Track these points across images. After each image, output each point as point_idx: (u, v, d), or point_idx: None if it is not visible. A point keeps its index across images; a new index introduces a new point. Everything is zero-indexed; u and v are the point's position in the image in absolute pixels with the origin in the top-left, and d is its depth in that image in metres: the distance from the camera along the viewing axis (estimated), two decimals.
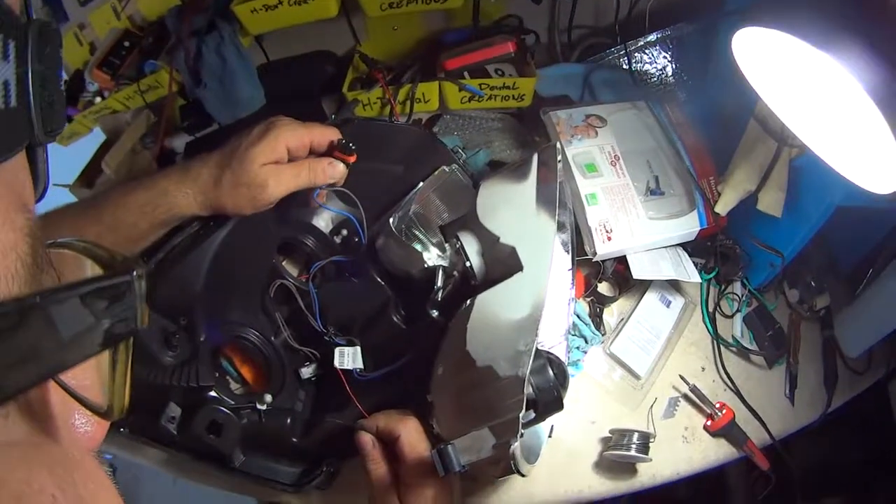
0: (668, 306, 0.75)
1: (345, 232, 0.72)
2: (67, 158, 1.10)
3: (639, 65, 0.89)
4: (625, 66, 0.87)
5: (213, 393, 0.66)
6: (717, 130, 0.84)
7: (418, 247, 0.67)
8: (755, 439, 0.79)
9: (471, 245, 0.61)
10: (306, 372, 0.69)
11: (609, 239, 0.69)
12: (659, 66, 0.90)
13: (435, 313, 0.62)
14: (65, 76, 1.04)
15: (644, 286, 0.75)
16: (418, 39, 0.86)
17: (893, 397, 0.97)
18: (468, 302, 0.56)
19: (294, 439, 0.66)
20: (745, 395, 0.79)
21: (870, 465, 0.98)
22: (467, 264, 0.60)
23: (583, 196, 0.70)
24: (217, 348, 0.70)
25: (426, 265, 0.64)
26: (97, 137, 1.09)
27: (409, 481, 0.57)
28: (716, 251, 0.79)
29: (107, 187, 0.93)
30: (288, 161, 0.64)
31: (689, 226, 0.74)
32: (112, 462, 1.18)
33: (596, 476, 0.70)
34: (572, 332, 0.69)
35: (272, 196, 0.63)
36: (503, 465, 0.52)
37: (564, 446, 0.69)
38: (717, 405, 0.75)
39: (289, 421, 0.66)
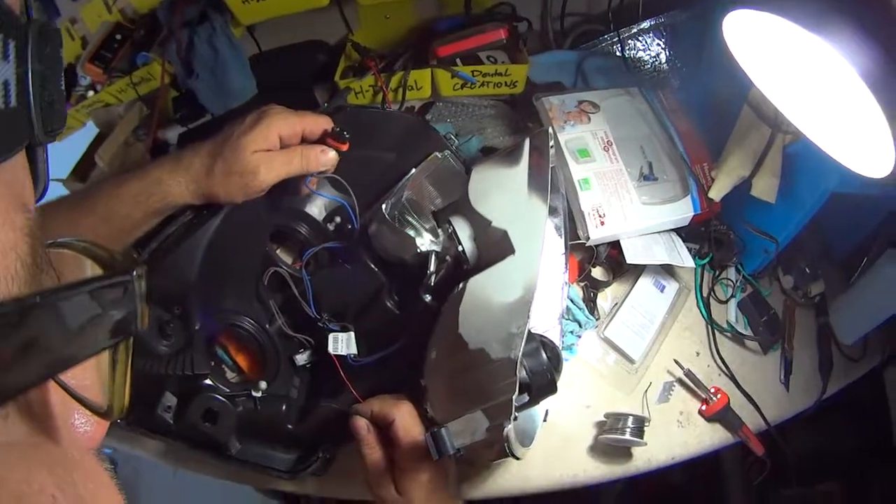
0: (661, 291, 0.76)
1: (338, 219, 0.72)
2: (61, 153, 1.10)
3: (632, 52, 0.89)
4: (618, 54, 0.87)
5: (208, 381, 0.66)
6: (711, 117, 0.84)
7: (411, 233, 0.67)
8: (750, 424, 0.79)
9: (463, 229, 0.61)
10: (301, 359, 0.69)
11: (602, 224, 0.69)
12: (652, 54, 0.90)
13: (428, 298, 0.62)
14: None
15: (638, 271, 0.76)
16: (410, 27, 0.86)
17: (889, 385, 0.98)
18: (460, 285, 0.57)
19: (289, 426, 0.66)
20: (740, 380, 0.79)
21: (864, 453, 0.99)
22: (459, 248, 0.61)
23: (576, 181, 0.70)
24: (212, 337, 0.70)
25: (419, 250, 0.64)
26: (90, 131, 1.09)
27: (403, 465, 0.57)
28: (710, 237, 0.80)
29: (100, 179, 0.94)
30: (280, 149, 0.64)
31: (682, 211, 0.75)
32: (112, 456, 1.19)
33: (591, 460, 0.70)
34: (566, 317, 0.69)
35: (263, 183, 0.63)
36: (497, 449, 0.52)
37: (559, 430, 0.70)
38: (712, 390, 0.75)
39: (284, 408, 0.66)
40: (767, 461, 0.86)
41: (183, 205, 0.66)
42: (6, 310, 0.16)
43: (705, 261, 0.80)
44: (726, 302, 0.81)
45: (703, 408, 0.75)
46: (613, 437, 0.67)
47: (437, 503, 0.57)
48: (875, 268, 0.86)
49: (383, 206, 0.67)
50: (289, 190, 0.69)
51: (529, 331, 0.59)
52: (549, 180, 0.59)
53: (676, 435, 0.75)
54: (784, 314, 0.86)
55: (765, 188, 0.77)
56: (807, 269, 0.88)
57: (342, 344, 0.65)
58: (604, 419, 0.70)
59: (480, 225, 0.59)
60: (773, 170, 0.77)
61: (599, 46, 0.87)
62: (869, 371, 0.93)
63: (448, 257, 0.63)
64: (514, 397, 0.50)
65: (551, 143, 0.64)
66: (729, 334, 0.80)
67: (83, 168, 1.08)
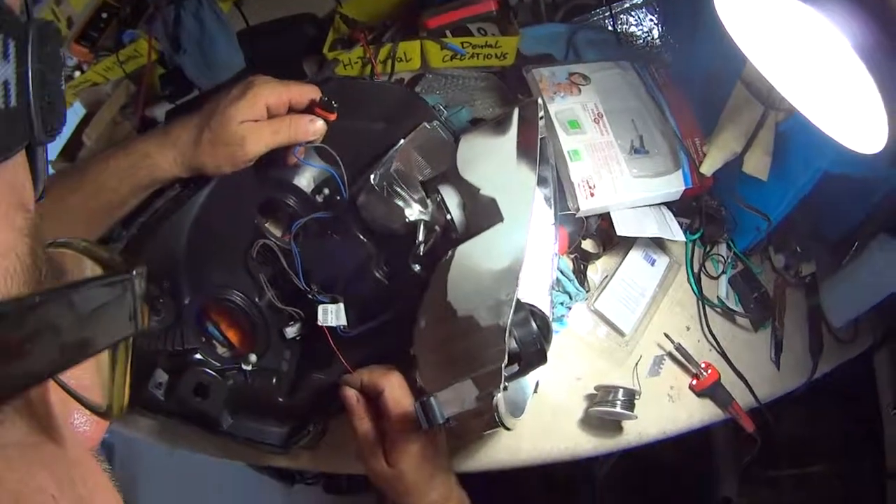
0: (652, 265, 0.75)
1: (326, 190, 0.71)
2: None
3: (624, 27, 0.88)
4: (610, 28, 0.86)
5: (198, 356, 0.66)
6: (704, 93, 0.83)
7: (400, 203, 0.67)
8: (740, 402, 0.79)
9: (451, 198, 0.60)
10: (291, 331, 0.69)
11: (592, 195, 0.69)
12: (645, 29, 0.90)
13: (417, 268, 0.62)
14: None
15: (628, 244, 0.75)
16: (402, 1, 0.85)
17: (878, 368, 0.98)
18: (449, 253, 0.56)
19: (280, 399, 0.66)
20: (731, 356, 0.79)
21: (854, 436, 0.99)
22: (448, 217, 0.60)
23: (565, 152, 0.70)
24: (202, 311, 0.69)
25: (408, 220, 0.63)
26: (77, 112, 1.08)
27: (393, 436, 0.57)
28: (701, 212, 0.79)
29: (87, 157, 0.93)
30: (268, 119, 0.64)
31: (673, 185, 0.74)
32: (109, 441, 1.19)
33: (582, 433, 0.70)
34: (556, 288, 0.69)
35: (251, 153, 0.62)
36: (487, 418, 0.52)
37: (550, 403, 0.70)
38: (703, 365, 0.75)
39: (274, 380, 0.66)
40: (758, 439, 0.86)
41: (171, 178, 0.65)
42: (5, 309, 0.16)
43: (696, 236, 0.80)
44: (717, 278, 0.81)
45: (694, 383, 0.76)
46: (604, 409, 0.67)
47: (428, 474, 0.58)
48: (866, 251, 0.86)
49: (372, 177, 0.66)
50: (276, 161, 0.68)
51: (519, 300, 0.59)
52: (537, 149, 0.58)
53: (667, 409, 0.75)
54: (775, 293, 0.86)
55: (757, 165, 0.77)
56: (798, 249, 0.88)
57: (332, 315, 0.65)
58: (594, 392, 0.70)
59: (469, 193, 0.59)
60: (766, 147, 0.77)
61: (591, 20, 0.86)
62: (859, 354, 0.94)
63: (437, 227, 0.63)
64: (503, 366, 0.50)
65: (541, 113, 0.63)
66: (719, 310, 0.80)
67: (71, 148, 1.07)
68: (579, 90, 0.75)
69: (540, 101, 0.64)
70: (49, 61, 0.20)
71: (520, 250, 0.52)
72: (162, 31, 0.86)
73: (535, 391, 0.67)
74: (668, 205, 0.77)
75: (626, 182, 0.71)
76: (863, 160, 0.84)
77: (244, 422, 0.66)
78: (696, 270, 0.79)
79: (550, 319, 0.65)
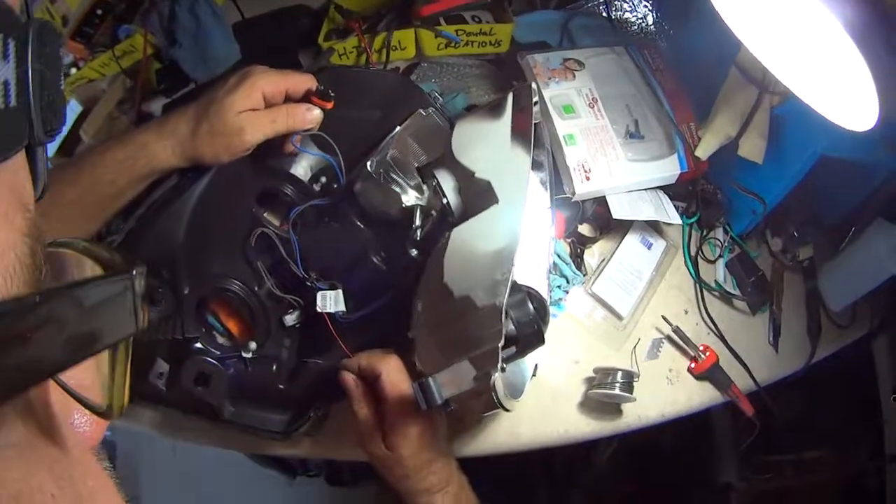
0: (649, 248, 0.76)
1: (323, 179, 0.72)
2: None
3: (619, 13, 0.89)
4: (604, 14, 0.87)
5: (198, 345, 0.67)
6: (699, 78, 0.84)
7: (396, 189, 0.68)
8: (739, 385, 0.80)
9: (447, 182, 0.61)
10: (290, 319, 0.69)
11: (588, 179, 0.69)
12: (640, 15, 0.90)
13: (414, 252, 0.62)
14: None
15: (625, 228, 0.76)
16: None
17: (877, 355, 0.99)
18: (446, 236, 0.57)
19: (280, 386, 0.66)
20: (729, 339, 0.80)
21: (854, 421, 1.00)
22: (444, 201, 0.61)
23: (560, 137, 0.70)
24: (201, 301, 0.70)
25: (404, 206, 0.64)
26: (73, 109, 1.09)
27: (391, 420, 0.57)
28: (697, 196, 0.80)
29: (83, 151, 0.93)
30: (265, 108, 0.64)
31: (669, 169, 0.75)
32: (111, 439, 1.19)
33: (581, 416, 0.71)
34: (553, 272, 0.70)
35: (249, 142, 0.63)
36: (486, 399, 0.53)
37: (549, 386, 0.70)
38: (701, 348, 0.76)
39: (274, 368, 0.66)
40: (757, 423, 0.87)
41: (168, 169, 0.66)
42: (5, 309, 0.16)
43: (693, 220, 0.80)
44: (714, 262, 0.82)
45: (692, 365, 0.76)
46: (603, 391, 0.68)
47: (427, 458, 0.58)
48: (864, 237, 0.86)
49: (368, 164, 0.67)
50: (273, 150, 0.69)
51: (515, 282, 0.60)
52: (532, 132, 0.59)
53: (666, 392, 0.75)
54: (772, 276, 0.87)
55: (752, 149, 0.77)
56: (795, 234, 0.89)
57: (330, 301, 0.65)
58: (593, 375, 0.70)
59: (464, 177, 0.59)
60: (761, 130, 0.77)
61: (585, 7, 0.87)
62: (858, 340, 0.94)
63: (433, 211, 0.63)
64: (500, 345, 0.50)
65: (535, 98, 0.64)
66: (717, 293, 0.81)
67: (69, 145, 1.08)
68: (574, 75, 0.75)
69: (534, 86, 0.64)
70: (49, 61, 0.20)
71: (515, 231, 0.53)
72: (157, 26, 0.86)
73: (534, 375, 0.67)
74: (665, 189, 0.77)
75: (621, 166, 0.72)
76: (859, 144, 0.85)
77: (245, 410, 0.66)
78: (693, 254, 0.80)
79: (548, 302, 0.66)
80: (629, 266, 0.74)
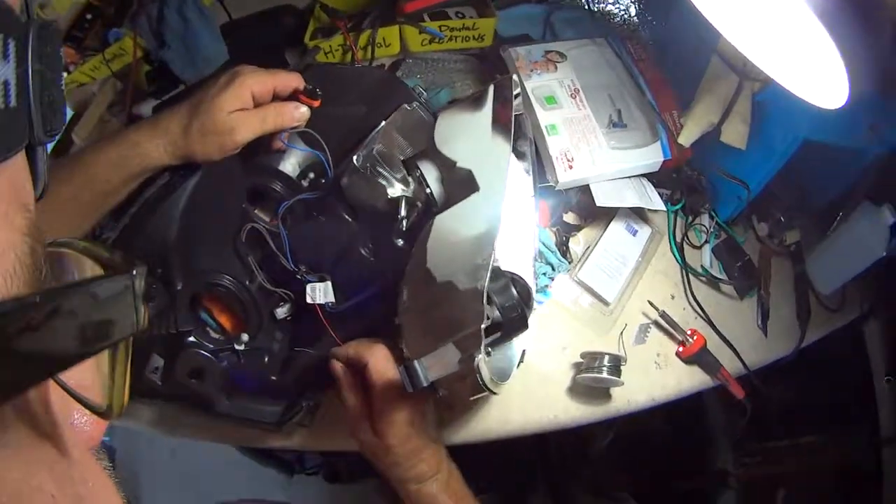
0: (634, 235, 0.79)
1: (312, 175, 0.74)
2: None
3: (601, 5, 0.91)
4: (587, 7, 0.90)
5: (192, 339, 0.69)
6: (681, 68, 0.86)
7: (383, 182, 0.70)
8: (728, 369, 0.82)
9: (430, 172, 0.64)
10: (281, 312, 0.72)
11: (570, 167, 0.72)
12: (622, 6, 0.93)
13: (400, 242, 0.65)
14: None
15: (610, 216, 0.78)
16: None
17: (869, 339, 1.01)
18: (429, 224, 0.59)
19: (273, 377, 0.69)
20: (717, 324, 0.82)
21: (847, 405, 1.02)
22: (427, 191, 0.63)
23: (543, 127, 0.73)
24: (194, 297, 0.73)
25: (390, 198, 0.66)
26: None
27: (379, 407, 0.59)
28: (681, 182, 0.82)
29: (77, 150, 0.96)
30: (254, 107, 0.67)
31: (652, 156, 0.77)
32: (109, 443, 1.22)
33: (570, 401, 0.73)
34: (538, 260, 0.72)
35: (239, 141, 0.66)
36: (471, 382, 0.55)
37: (537, 372, 0.73)
38: (689, 332, 0.78)
39: (266, 359, 0.69)
40: (748, 405, 0.89)
41: (160, 166, 0.69)
42: (5, 309, 0.16)
43: (678, 206, 0.83)
44: (700, 247, 0.84)
45: (680, 349, 0.78)
46: (591, 375, 0.70)
47: (415, 446, 0.59)
48: (851, 220, 0.89)
49: (355, 159, 0.69)
50: (263, 147, 0.72)
51: (499, 268, 0.62)
52: (512, 122, 0.62)
53: (655, 376, 0.78)
54: (760, 261, 0.89)
55: (734, 135, 0.80)
56: (782, 219, 0.91)
57: (319, 293, 0.68)
58: (580, 360, 0.73)
59: (447, 167, 0.62)
60: (743, 117, 0.80)
61: (567, 0, 0.90)
62: (850, 324, 0.97)
63: (419, 202, 0.66)
64: (482, 327, 0.53)
65: (517, 90, 0.67)
66: (704, 278, 0.83)
67: (61, 148, 1.11)
68: (556, 67, 0.78)
69: (515, 78, 0.67)
70: (49, 61, 0.20)
71: (496, 216, 0.55)
72: (146, 28, 0.89)
73: (522, 361, 0.69)
74: (648, 176, 0.80)
75: (603, 154, 0.74)
76: (842, 128, 0.88)
77: (239, 402, 0.69)
78: (678, 240, 0.83)
79: (534, 289, 0.68)
80: (614, 253, 0.77)
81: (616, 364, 0.71)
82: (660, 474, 1.11)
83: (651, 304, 0.76)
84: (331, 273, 0.69)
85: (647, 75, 0.82)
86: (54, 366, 0.18)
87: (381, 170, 0.71)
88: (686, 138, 0.79)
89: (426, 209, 0.65)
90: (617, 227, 0.78)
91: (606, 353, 0.70)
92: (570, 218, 0.78)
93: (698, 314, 0.81)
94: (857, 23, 0.55)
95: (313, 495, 1.15)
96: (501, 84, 0.66)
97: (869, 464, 0.98)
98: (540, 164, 0.73)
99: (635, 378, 0.75)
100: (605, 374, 0.70)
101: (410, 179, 0.68)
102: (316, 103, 0.69)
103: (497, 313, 0.59)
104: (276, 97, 0.68)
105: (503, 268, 0.62)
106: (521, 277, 0.62)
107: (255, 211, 0.77)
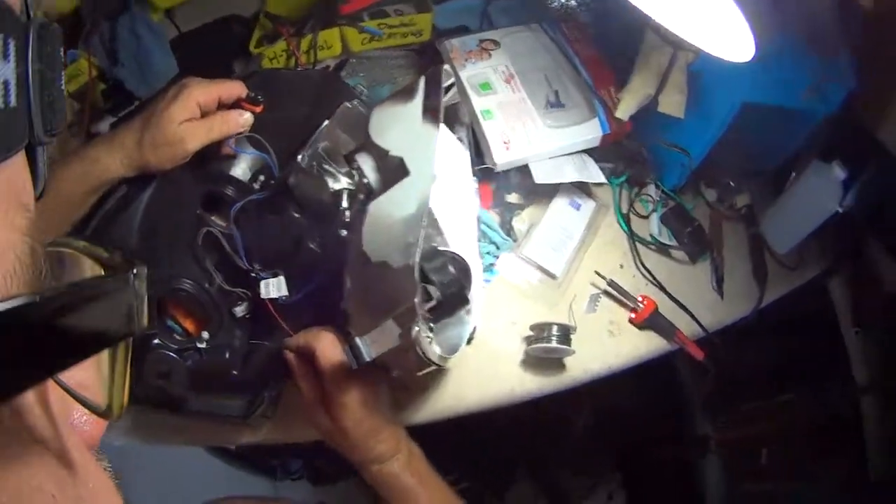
0: (578, 209, 0.84)
1: (262, 177, 0.80)
2: None
3: None
4: None
5: (157, 341, 0.75)
6: (621, 45, 0.91)
7: (329, 179, 0.76)
8: (687, 332, 0.87)
9: (366, 163, 0.69)
10: (240, 310, 0.77)
11: (507, 149, 0.78)
12: None
13: (344, 232, 0.71)
14: None
15: (552, 193, 0.84)
16: None
17: (833, 292, 1.06)
18: (365, 210, 0.65)
19: (235, 372, 0.74)
20: (670, 289, 0.87)
21: (821, 360, 1.07)
22: (365, 181, 0.69)
23: (478, 112, 0.79)
24: (159, 302, 0.79)
25: (333, 191, 0.72)
26: None
27: (331, 390, 0.63)
28: (624, 155, 0.88)
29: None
30: (201, 116, 0.74)
31: (590, 132, 0.83)
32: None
33: (525, 373, 0.78)
34: (482, 240, 0.78)
35: (189, 150, 0.72)
36: (413, 356, 0.61)
37: (489, 349, 0.78)
38: (640, 298, 0.84)
39: (227, 355, 0.75)
40: (711, 366, 0.94)
41: (119, 178, 0.75)
42: (5, 309, 0.16)
43: (622, 179, 0.88)
44: (647, 217, 0.89)
45: (633, 316, 0.84)
46: (541, 346, 0.75)
47: (370, 427, 0.64)
48: (802, 178, 0.94)
49: (299, 158, 0.76)
50: (213, 155, 0.78)
51: (436, 248, 0.68)
52: (440, 109, 0.67)
53: (609, 344, 0.83)
54: (711, 226, 0.95)
55: (672, 104, 0.85)
56: (731, 183, 0.97)
57: (273, 288, 0.73)
58: (531, 333, 0.78)
59: (381, 156, 0.68)
60: (679, 86, 0.85)
61: None
62: (814, 280, 1.02)
63: (360, 193, 0.72)
64: (416, 301, 0.59)
65: (449, 79, 0.73)
66: (653, 247, 0.88)
67: None
68: (490, 55, 0.84)
69: (447, 68, 0.73)
70: (49, 61, 0.21)
71: (424, 198, 0.61)
72: (100, 48, 0.95)
73: (472, 338, 0.75)
74: (590, 152, 0.85)
75: (540, 133, 0.80)
76: (781, 90, 0.93)
77: (206, 399, 0.75)
78: (624, 211, 0.88)
79: (479, 268, 0.74)
80: (559, 228, 0.82)
81: (565, 333, 0.76)
82: (641, 447, 1.16)
83: (598, 274, 0.82)
84: (283, 268, 0.75)
85: (583, 55, 0.87)
86: (54, 366, 0.19)
87: (327, 166, 0.77)
88: (623, 112, 0.84)
89: (367, 198, 0.71)
90: (560, 203, 0.83)
91: (555, 324, 0.76)
92: (512, 198, 0.83)
93: (649, 280, 0.86)
94: None
95: (300, 499, 1.20)
96: (432, 75, 0.72)
97: (848, 413, 1.03)
98: (479, 148, 0.79)
99: (589, 347, 0.80)
100: (554, 344, 0.75)
101: (354, 172, 0.73)
102: (258, 109, 0.75)
103: (435, 287, 0.64)
104: (222, 105, 0.75)
105: (441, 248, 0.68)
106: (459, 256, 0.68)
107: (212, 217, 0.83)
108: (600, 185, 0.88)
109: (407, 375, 0.74)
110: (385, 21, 0.87)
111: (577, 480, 1.16)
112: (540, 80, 0.84)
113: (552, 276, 0.80)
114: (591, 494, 1.16)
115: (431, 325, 0.66)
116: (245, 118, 0.74)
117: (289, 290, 0.74)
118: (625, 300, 0.83)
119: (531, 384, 0.78)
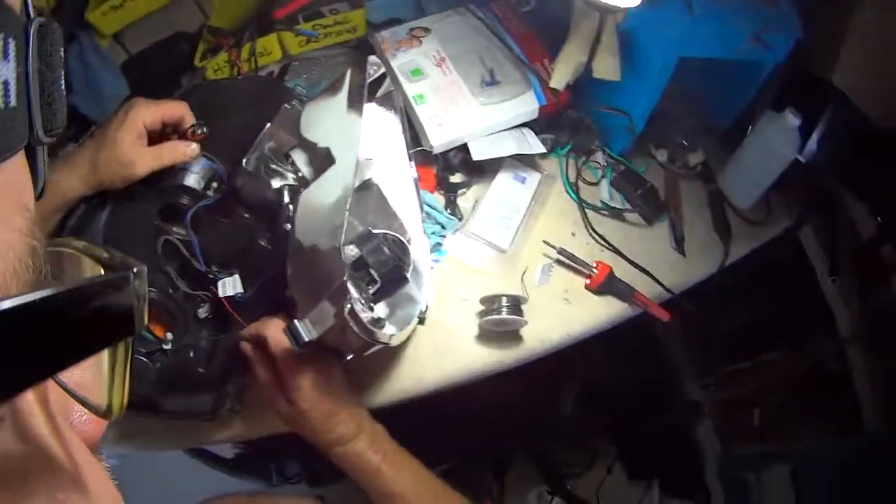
0: (523, 182, 0.89)
1: (215, 184, 0.88)
2: None
3: None
4: None
5: None
6: (552, 20, 0.96)
7: (277, 178, 0.83)
8: (652, 295, 0.91)
9: (299, 157, 0.76)
10: (202, 312, 0.84)
11: (442, 130, 0.83)
12: None
13: (288, 226, 0.77)
14: None
15: (496, 169, 0.89)
16: (260, 1, 1.01)
17: (806, 243, 1.08)
18: (297, 200, 0.71)
19: (200, 369, 0.81)
20: (628, 253, 0.91)
21: (803, 314, 1.09)
22: (299, 174, 0.76)
23: (411, 98, 0.84)
24: None
25: (275, 189, 0.79)
26: None
27: (284, 374, 0.69)
28: (565, 125, 0.93)
29: None
30: (149, 135, 0.81)
31: (526, 105, 0.88)
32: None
33: (481, 348, 0.83)
34: (425, 221, 0.83)
35: (139, 174, 0.79)
36: (350, 333, 0.66)
37: (443, 326, 0.83)
38: (594, 264, 0.88)
39: (192, 354, 0.82)
40: (678, 328, 0.98)
41: (79, 197, 0.83)
42: (5, 309, 0.17)
43: (566, 149, 0.93)
44: (597, 183, 0.94)
45: (588, 282, 0.88)
46: (492, 318, 0.80)
47: (329, 409, 0.69)
48: (756, 130, 0.97)
49: (244, 162, 0.82)
50: (168, 172, 0.86)
51: (371, 231, 0.74)
52: (363, 99, 0.73)
53: (567, 312, 0.87)
54: (665, 186, 0.99)
55: (606, 68, 0.90)
56: (684, 143, 1.00)
57: (229, 286, 0.80)
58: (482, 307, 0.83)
59: (311, 149, 0.74)
60: (610, 49, 0.90)
61: None
62: (786, 234, 1.04)
63: (301, 188, 0.78)
64: (344, 279, 0.64)
65: (379, 70, 0.79)
66: (605, 212, 0.93)
67: None
68: (420, 42, 0.89)
69: (373, 59, 0.79)
70: (49, 61, 0.21)
71: (349, 183, 0.67)
72: None
73: (424, 320, 0.80)
74: (530, 125, 0.90)
75: (474, 112, 0.85)
76: (718, 41, 0.97)
77: (176, 399, 0.81)
78: (572, 180, 0.92)
79: (427, 247, 0.79)
80: (504, 202, 0.87)
81: (515, 303, 0.80)
82: (633, 416, 1.19)
83: (547, 243, 0.86)
84: (239, 267, 0.82)
85: (514, 32, 0.92)
86: (54, 366, 0.19)
87: (274, 166, 0.84)
88: (557, 81, 0.89)
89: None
90: (504, 178, 0.88)
91: (504, 295, 0.80)
92: (456, 178, 0.89)
93: (603, 246, 0.90)
94: None
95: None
96: (356, 66, 0.79)
97: (835, 366, 1.05)
98: (415, 133, 0.84)
99: (545, 317, 0.85)
100: (504, 315, 0.80)
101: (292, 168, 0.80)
102: (201, 137, 0.83)
103: (371, 268, 0.70)
104: (166, 125, 0.82)
105: (375, 230, 0.74)
106: (396, 236, 0.73)
107: (172, 227, 0.91)
108: (546, 157, 0.92)
109: (358, 356, 0.80)
110: (319, 22, 0.94)
111: (573, 456, 1.19)
112: (474, 61, 0.89)
113: (501, 251, 0.85)
114: (589, 471, 1.20)
115: (370, 305, 0.72)
116: (191, 149, 0.82)
117: (244, 286, 0.80)
118: (579, 267, 0.87)
119: (489, 358, 0.83)
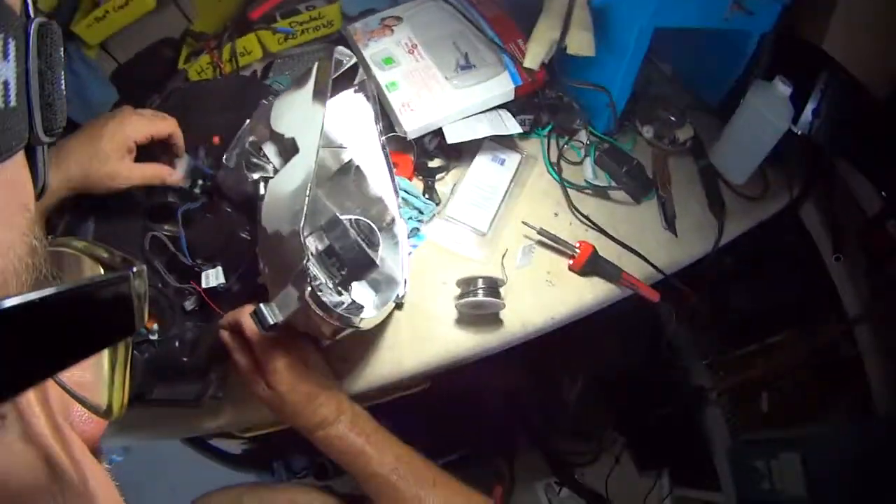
0: (502, 164, 0.91)
1: (201, 182, 0.93)
2: None
3: None
4: None
5: None
6: (527, 2, 0.98)
7: (259, 171, 0.87)
8: (642, 276, 0.92)
9: (270, 149, 0.80)
10: (189, 304, 0.89)
11: (415, 116, 0.86)
12: None
13: None
14: None
15: (473, 152, 0.91)
16: (241, 3, 1.07)
17: (807, 221, 1.07)
18: (264, 189, 0.76)
19: (185, 359, 0.86)
20: (616, 233, 0.91)
21: (809, 295, 1.07)
22: (270, 166, 0.80)
23: (383, 85, 0.88)
24: None
25: (251, 181, 0.83)
26: None
27: (261, 358, 0.73)
28: (544, 105, 0.95)
29: None
30: (137, 149, 0.87)
31: (500, 86, 0.90)
32: None
33: (461, 332, 0.84)
34: (401, 207, 0.86)
35: (122, 187, 0.85)
36: (314, 315, 0.70)
37: (422, 311, 0.85)
38: (577, 244, 0.88)
39: (177, 344, 0.87)
40: (671, 310, 0.98)
41: (59, 200, 0.90)
42: (6, 309, 0.17)
43: (546, 129, 0.95)
44: (580, 162, 0.95)
45: (571, 263, 0.89)
46: (468, 300, 0.82)
47: (307, 392, 0.73)
48: (746, 101, 0.97)
49: (225, 157, 0.88)
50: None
51: (336, 216, 0.78)
52: (328, 90, 0.77)
53: (550, 295, 0.88)
54: (653, 162, 0.99)
55: (580, 44, 0.91)
56: (672, 118, 1.01)
57: (212, 278, 0.85)
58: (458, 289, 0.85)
59: (279, 140, 0.78)
60: (583, 25, 0.91)
61: None
62: (787, 213, 1.03)
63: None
64: (305, 263, 0.68)
65: (350, 61, 0.83)
66: (589, 191, 0.94)
67: None
68: (392, 31, 0.93)
69: (342, 49, 0.83)
70: (49, 60, 0.22)
71: (310, 169, 0.71)
72: None
73: (402, 305, 0.84)
74: (507, 106, 0.92)
75: (448, 96, 0.88)
76: (695, 10, 0.97)
77: (163, 387, 0.87)
78: (554, 160, 0.94)
79: (404, 232, 0.83)
80: (482, 184, 0.89)
81: (492, 285, 0.82)
82: (640, 405, 1.19)
83: (526, 223, 0.88)
84: (222, 259, 0.87)
85: (488, 15, 0.95)
86: (54, 365, 0.19)
87: (255, 160, 0.88)
88: (531, 61, 0.91)
89: None
90: (482, 161, 0.91)
91: (480, 277, 0.82)
92: (434, 163, 0.92)
93: (587, 225, 0.91)
94: None
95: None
96: (322, 59, 0.83)
97: (844, 347, 1.03)
98: (390, 122, 0.88)
99: (527, 300, 0.86)
100: (481, 297, 0.81)
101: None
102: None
103: (338, 254, 0.74)
104: (154, 139, 0.88)
105: (341, 216, 0.77)
106: (364, 221, 0.77)
107: (163, 224, 0.97)
108: (528, 138, 0.94)
109: (345, 346, 0.83)
110: (296, 18, 0.98)
111: (581, 446, 1.20)
112: (448, 47, 0.93)
113: (480, 233, 0.88)
114: (597, 460, 1.20)
115: (340, 290, 0.75)
116: (177, 177, 0.87)
117: (227, 277, 0.85)
118: (560, 248, 0.88)
119: (469, 342, 0.84)
